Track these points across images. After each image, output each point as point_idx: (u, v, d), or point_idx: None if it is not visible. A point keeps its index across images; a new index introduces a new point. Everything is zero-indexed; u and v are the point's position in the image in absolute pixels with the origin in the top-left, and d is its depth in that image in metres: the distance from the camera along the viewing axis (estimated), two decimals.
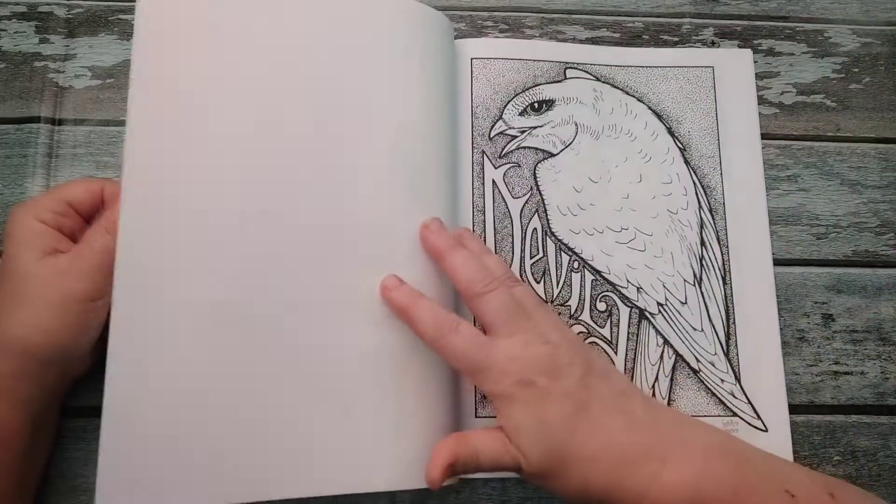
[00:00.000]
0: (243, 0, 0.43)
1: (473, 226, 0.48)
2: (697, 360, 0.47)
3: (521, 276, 0.48)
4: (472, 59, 0.51)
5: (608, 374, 0.40)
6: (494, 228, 0.48)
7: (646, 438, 0.38)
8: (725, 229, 0.50)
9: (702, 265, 0.49)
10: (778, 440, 0.47)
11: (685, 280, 0.48)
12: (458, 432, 0.40)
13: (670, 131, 0.51)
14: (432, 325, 0.39)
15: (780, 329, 0.49)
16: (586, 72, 0.51)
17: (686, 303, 0.48)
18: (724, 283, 0.49)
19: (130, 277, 0.39)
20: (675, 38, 0.55)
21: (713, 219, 0.50)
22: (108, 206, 0.42)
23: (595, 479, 0.37)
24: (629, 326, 0.48)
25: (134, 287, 0.39)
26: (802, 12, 0.56)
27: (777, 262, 0.50)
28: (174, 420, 0.38)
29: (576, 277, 0.48)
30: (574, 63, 0.52)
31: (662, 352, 0.48)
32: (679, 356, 0.48)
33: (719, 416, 0.47)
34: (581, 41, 0.54)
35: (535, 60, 0.51)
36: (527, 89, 0.51)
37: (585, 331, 0.47)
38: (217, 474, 0.38)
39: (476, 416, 0.45)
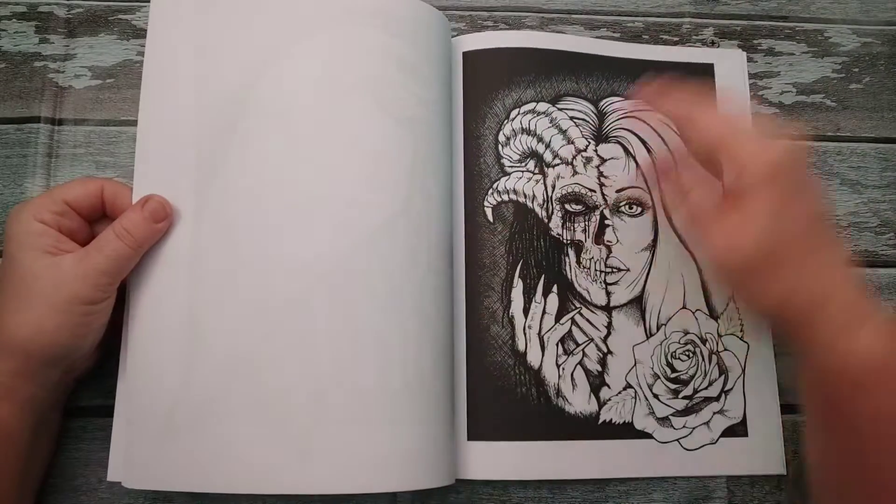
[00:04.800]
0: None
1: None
2: None
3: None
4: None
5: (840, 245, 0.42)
6: None
7: (861, 298, 0.38)
8: None
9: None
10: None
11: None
12: None
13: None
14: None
15: None
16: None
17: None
18: None
19: (140, 284, 0.41)
20: (675, 38, 0.55)
21: None
22: (109, 207, 0.42)
23: (802, 295, 0.38)
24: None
25: (145, 293, 0.41)
26: (802, 12, 0.56)
27: None
28: (183, 413, 0.40)
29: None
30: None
31: None
32: None
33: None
34: None
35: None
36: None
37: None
38: (222, 464, 0.39)
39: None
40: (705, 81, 0.53)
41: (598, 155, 0.50)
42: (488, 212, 0.49)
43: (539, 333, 0.47)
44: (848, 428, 0.38)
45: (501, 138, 0.50)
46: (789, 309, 0.38)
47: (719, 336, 0.48)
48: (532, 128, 0.50)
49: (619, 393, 0.47)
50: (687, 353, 0.48)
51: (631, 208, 0.50)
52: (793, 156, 0.39)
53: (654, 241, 0.49)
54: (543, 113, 0.50)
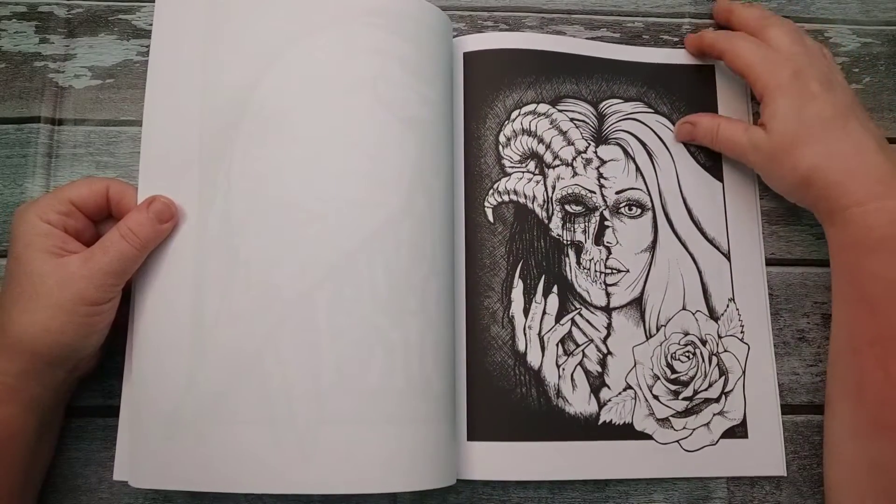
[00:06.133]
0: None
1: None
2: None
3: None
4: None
5: (869, 118, 0.46)
6: None
7: (889, 168, 0.43)
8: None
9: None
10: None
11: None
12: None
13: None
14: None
15: (780, 329, 0.49)
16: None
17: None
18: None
19: (145, 284, 0.42)
20: (675, 38, 0.55)
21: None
22: (114, 207, 0.42)
23: (824, 169, 0.43)
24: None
25: (150, 293, 0.41)
26: (802, 12, 0.56)
27: (777, 262, 0.50)
28: (188, 413, 0.40)
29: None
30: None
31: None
32: None
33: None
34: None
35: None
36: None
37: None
38: (226, 463, 0.39)
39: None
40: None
41: (597, 156, 0.50)
42: (489, 212, 0.49)
43: (539, 334, 0.47)
44: (863, 290, 0.42)
45: (502, 139, 0.50)
46: (813, 183, 0.44)
47: (719, 337, 0.48)
48: (532, 129, 0.50)
49: (619, 394, 0.47)
50: (687, 354, 0.48)
51: (631, 210, 0.50)
52: (805, 64, 0.46)
53: (654, 242, 0.49)
54: (544, 114, 0.50)
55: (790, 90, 0.45)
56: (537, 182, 0.49)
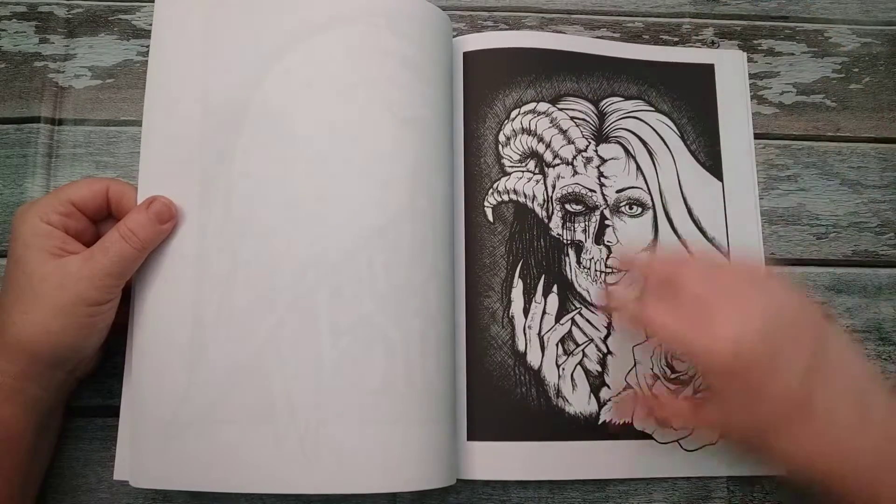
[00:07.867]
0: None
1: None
2: None
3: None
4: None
5: (843, 361, 0.35)
6: None
7: (881, 445, 0.33)
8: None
9: None
10: None
11: None
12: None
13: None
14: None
15: None
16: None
17: None
18: None
19: (145, 284, 0.41)
20: (675, 38, 0.55)
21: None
22: (114, 207, 0.42)
23: (809, 472, 0.34)
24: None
25: (150, 293, 0.41)
26: (802, 12, 0.56)
27: (777, 262, 0.50)
28: (188, 413, 0.40)
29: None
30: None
31: None
32: None
33: None
34: None
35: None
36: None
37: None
38: (227, 463, 0.39)
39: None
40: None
41: (598, 155, 0.50)
42: (488, 212, 0.49)
43: (539, 334, 0.47)
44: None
45: (502, 138, 0.50)
46: (800, 478, 0.35)
47: None
48: (532, 128, 0.50)
49: (619, 394, 0.47)
50: None
51: (631, 208, 0.50)
52: (760, 337, 0.35)
53: (655, 241, 0.49)
54: (544, 113, 0.50)
55: (731, 385, 0.36)
56: (537, 181, 0.49)
